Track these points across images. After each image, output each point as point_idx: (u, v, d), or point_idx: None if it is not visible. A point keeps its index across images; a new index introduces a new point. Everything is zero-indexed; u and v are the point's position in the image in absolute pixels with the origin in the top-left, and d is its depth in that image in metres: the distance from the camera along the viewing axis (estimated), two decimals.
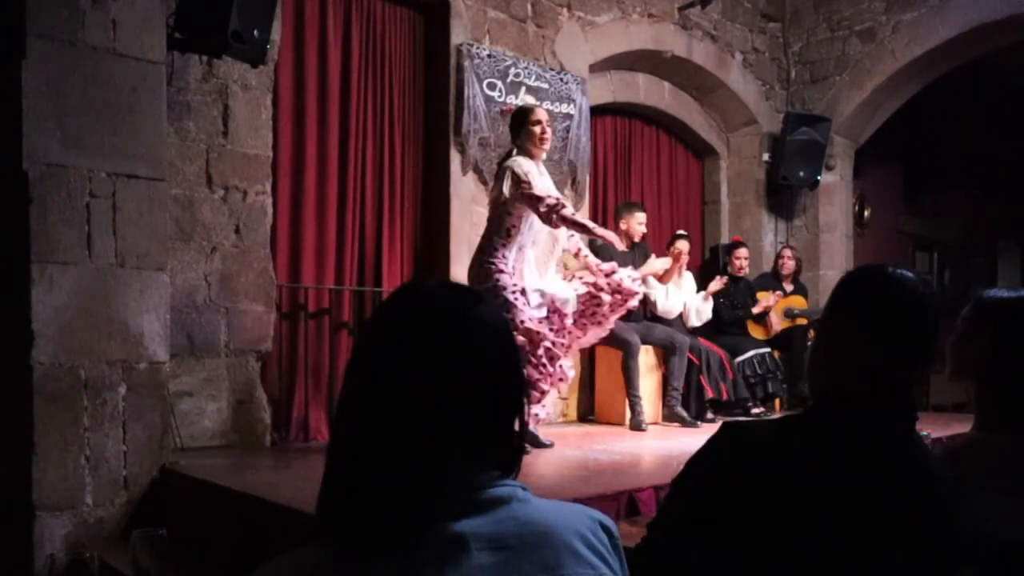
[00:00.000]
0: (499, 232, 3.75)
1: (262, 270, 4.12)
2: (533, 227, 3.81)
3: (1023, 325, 1.46)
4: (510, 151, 3.88)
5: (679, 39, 6.16)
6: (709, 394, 5.31)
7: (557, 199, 3.66)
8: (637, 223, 5.23)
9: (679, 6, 6.06)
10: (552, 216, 3.63)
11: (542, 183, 3.76)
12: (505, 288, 3.67)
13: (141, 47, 3.20)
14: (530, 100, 5.10)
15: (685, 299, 5.75)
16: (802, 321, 6.15)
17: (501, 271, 3.70)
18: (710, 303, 5.65)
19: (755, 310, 5.97)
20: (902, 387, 1.22)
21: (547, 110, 5.14)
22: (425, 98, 4.98)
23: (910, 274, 1.27)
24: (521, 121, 3.83)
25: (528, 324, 3.65)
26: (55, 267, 2.98)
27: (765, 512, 1.11)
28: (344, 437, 0.90)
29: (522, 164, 3.72)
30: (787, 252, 6.37)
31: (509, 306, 3.64)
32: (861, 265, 1.39)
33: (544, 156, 3.90)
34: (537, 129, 3.78)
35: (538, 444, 3.81)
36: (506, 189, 3.67)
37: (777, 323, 6.05)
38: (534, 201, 3.64)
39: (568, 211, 3.67)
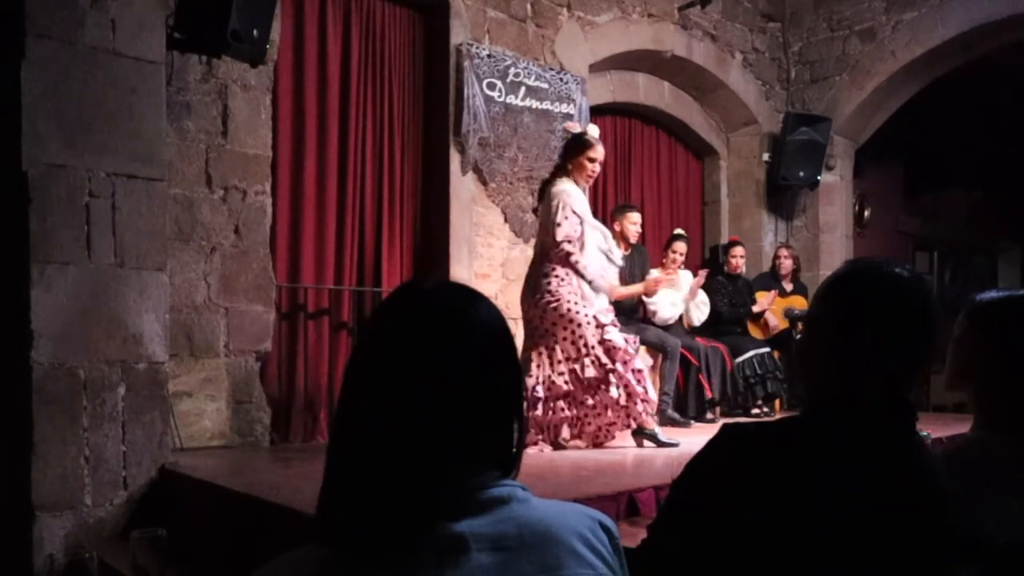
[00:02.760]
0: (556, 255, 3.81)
1: (261, 270, 4.12)
2: (587, 245, 3.86)
3: (1017, 324, 1.45)
4: (557, 170, 3.95)
5: (679, 39, 6.16)
6: (708, 394, 5.31)
7: (571, 250, 3.75)
8: (630, 223, 5.18)
9: (679, 6, 6.06)
10: (565, 261, 3.77)
11: (580, 210, 3.83)
12: (577, 313, 3.74)
13: (140, 47, 3.19)
14: (532, 102, 5.11)
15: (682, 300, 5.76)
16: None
17: (562, 293, 3.76)
18: (703, 302, 5.65)
19: (755, 309, 5.97)
20: (899, 387, 1.20)
21: (546, 110, 5.18)
22: (425, 98, 4.98)
23: (902, 270, 1.22)
24: (579, 149, 3.88)
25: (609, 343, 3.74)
26: (55, 267, 2.98)
27: (765, 514, 1.10)
28: (343, 437, 0.90)
29: (570, 194, 3.79)
30: (783, 251, 6.37)
31: (580, 329, 3.72)
32: (850, 260, 1.33)
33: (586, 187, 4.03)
34: (591, 166, 3.87)
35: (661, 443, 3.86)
36: (558, 218, 3.75)
37: (776, 323, 6.04)
38: (554, 241, 3.75)
39: (577, 261, 3.76)
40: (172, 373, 3.57)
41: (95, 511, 3.07)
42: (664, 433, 3.96)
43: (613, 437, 3.90)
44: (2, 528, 3.09)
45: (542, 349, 3.80)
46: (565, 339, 3.76)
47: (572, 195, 3.80)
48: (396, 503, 0.83)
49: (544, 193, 3.91)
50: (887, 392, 1.19)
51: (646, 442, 3.88)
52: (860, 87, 6.61)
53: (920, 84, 6.64)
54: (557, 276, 3.78)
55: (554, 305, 3.77)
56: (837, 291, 1.25)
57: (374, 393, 0.88)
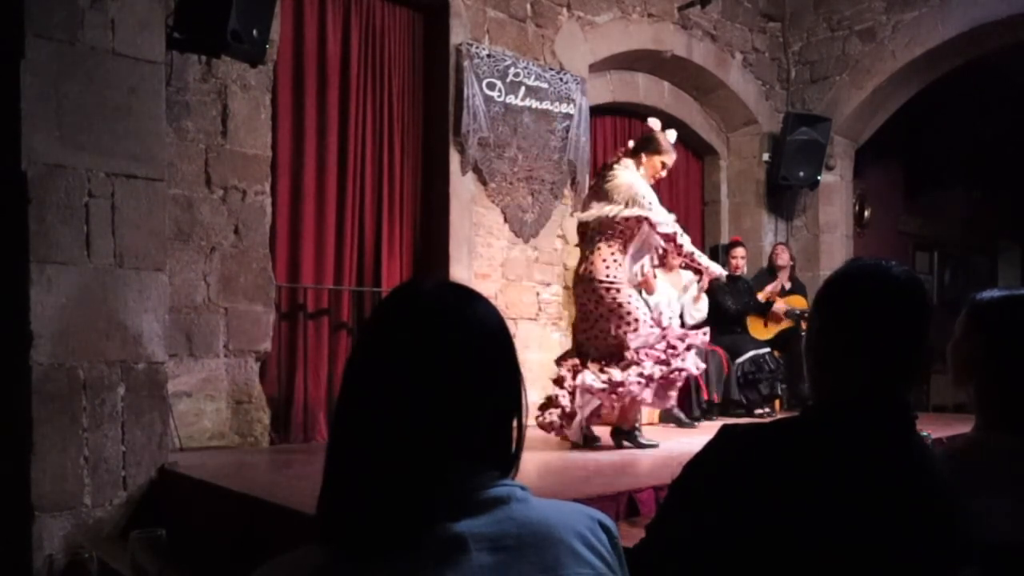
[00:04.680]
0: (613, 246, 3.81)
1: (261, 270, 4.12)
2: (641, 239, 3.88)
3: (1017, 324, 1.45)
4: (628, 155, 3.95)
5: (679, 39, 6.16)
6: (705, 396, 5.31)
7: (676, 231, 3.86)
8: None
9: (679, 6, 6.06)
10: (671, 248, 3.90)
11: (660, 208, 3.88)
12: (632, 306, 3.77)
13: (140, 47, 3.19)
14: (531, 101, 5.10)
15: (680, 299, 5.76)
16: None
17: (620, 287, 3.78)
18: (703, 303, 5.65)
19: (760, 296, 5.96)
20: (897, 388, 1.20)
21: (546, 110, 5.18)
22: (425, 98, 4.98)
23: (901, 270, 1.22)
24: (659, 150, 3.91)
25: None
26: (54, 267, 2.98)
27: (764, 515, 1.10)
28: (343, 438, 0.89)
29: (645, 186, 3.81)
30: (780, 248, 6.38)
31: (635, 322, 3.75)
32: (851, 260, 1.33)
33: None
34: (660, 171, 3.94)
35: (640, 444, 3.87)
36: (628, 210, 3.74)
37: (785, 308, 6.03)
38: (666, 237, 3.83)
39: (689, 248, 3.94)
40: (172, 373, 3.57)
41: (94, 511, 3.06)
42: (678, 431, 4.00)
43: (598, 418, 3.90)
44: (2, 528, 3.09)
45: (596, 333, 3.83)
46: (620, 328, 3.76)
47: (646, 187, 3.82)
48: (396, 503, 0.83)
49: (614, 175, 3.85)
50: (886, 392, 1.19)
51: (625, 442, 3.89)
52: (860, 87, 6.61)
53: (920, 84, 6.64)
54: (616, 262, 3.79)
55: (612, 292, 3.77)
56: (837, 290, 1.25)
57: (373, 393, 0.87)
